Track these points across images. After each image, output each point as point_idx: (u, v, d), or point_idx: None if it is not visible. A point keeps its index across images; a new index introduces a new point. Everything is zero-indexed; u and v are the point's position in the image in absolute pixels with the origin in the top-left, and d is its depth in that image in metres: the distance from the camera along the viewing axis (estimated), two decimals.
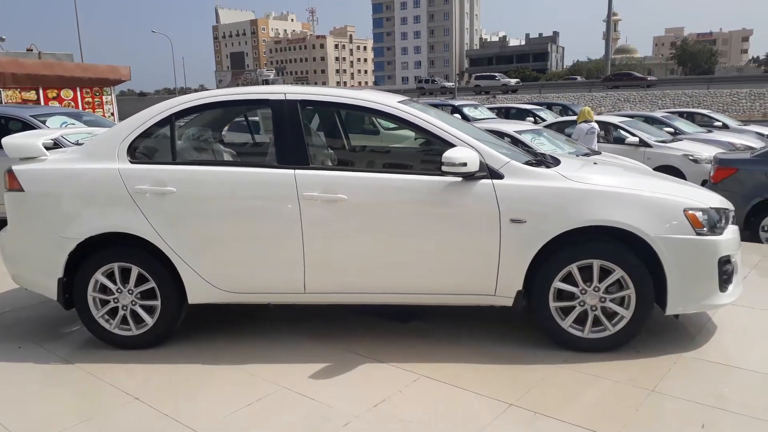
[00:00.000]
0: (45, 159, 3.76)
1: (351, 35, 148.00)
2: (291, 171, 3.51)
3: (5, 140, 3.81)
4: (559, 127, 11.50)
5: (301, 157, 3.54)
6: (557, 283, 3.39)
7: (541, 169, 3.44)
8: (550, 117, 17.07)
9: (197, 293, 3.66)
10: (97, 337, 3.77)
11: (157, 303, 3.68)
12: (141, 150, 3.70)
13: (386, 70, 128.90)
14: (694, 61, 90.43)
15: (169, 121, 3.69)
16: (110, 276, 3.69)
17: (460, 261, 3.42)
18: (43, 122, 7.01)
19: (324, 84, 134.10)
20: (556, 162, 3.75)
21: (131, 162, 3.64)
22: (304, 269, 3.54)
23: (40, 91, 15.83)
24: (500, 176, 3.39)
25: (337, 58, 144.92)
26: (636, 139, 10.59)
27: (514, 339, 3.70)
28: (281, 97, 3.64)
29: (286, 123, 3.58)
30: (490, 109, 19.32)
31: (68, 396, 3.23)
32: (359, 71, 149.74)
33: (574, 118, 13.57)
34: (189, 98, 3.73)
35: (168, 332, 3.75)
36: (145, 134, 3.70)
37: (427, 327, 3.94)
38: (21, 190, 3.69)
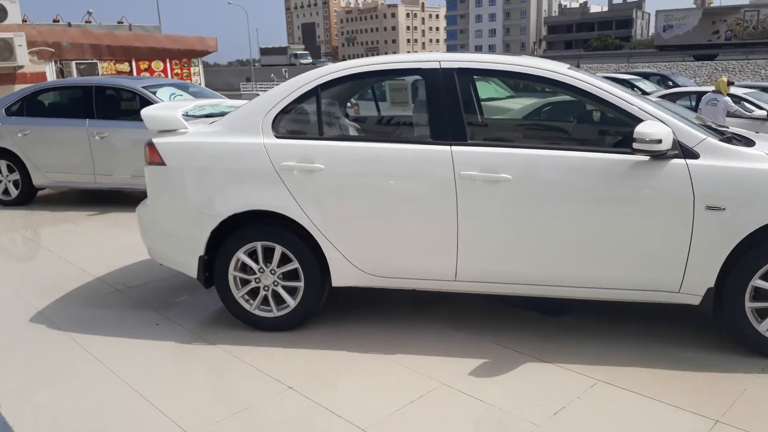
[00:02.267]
0: (186, 132, 3.61)
1: (423, 3, 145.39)
2: (447, 147, 3.21)
3: (145, 112, 3.69)
4: (671, 99, 10.66)
5: (459, 132, 3.22)
6: (757, 281, 2.96)
7: (743, 149, 2.98)
8: (649, 87, 15.97)
9: (342, 275, 3.45)
10: (236, 317, 3.64)
11: (300, 284, 3.49)
12: (286, 124, 3.49)
13: (459, 39, 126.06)
14: None
15: (314, 93, 3.45)
16: (251, 255, 3.54)
17: (641, 252, 3.04)
18: (154, 93, 7.00)
19: (394, 53, 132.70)
20: (747, 140, 3.26)
21: (276, 137, 3.44)
22: (456, 255, 3.25)
23: (133, 63, 16.21)
24: (695, 155, 2.96)
25: (408, 28, 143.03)
26: (763, 113, 9.66)
27: (693, 341, 3.30)
28: (435, 65, 3.32)
29: (440, 94, 3.27)
30: None
31: (218, 382, 3.10)
32: (431, 40, 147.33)
33: (684, 89, 12.58)
34: (335, 68, 3.47)
35: (309, 315, 3.57)
36: (290, 107, 3.48)
37: (582, 323, 3.59)
38: (162, 164, 3.56)
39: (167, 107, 3.79)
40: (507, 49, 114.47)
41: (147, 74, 16.01)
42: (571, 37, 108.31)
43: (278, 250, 3.47)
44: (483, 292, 3.37)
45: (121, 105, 7.14)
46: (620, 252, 3.06)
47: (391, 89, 4.50)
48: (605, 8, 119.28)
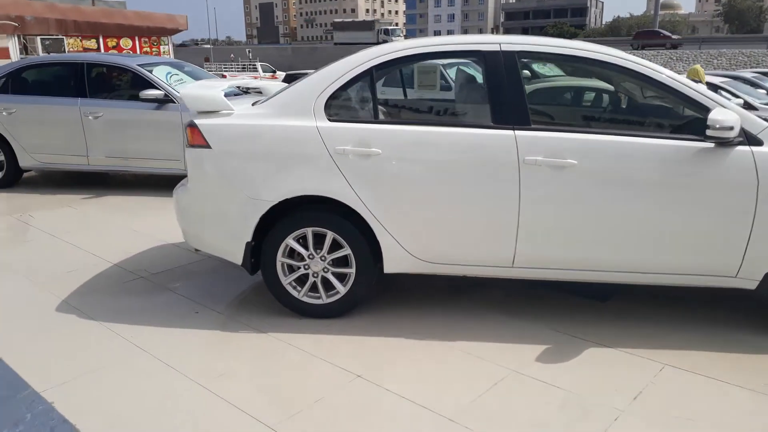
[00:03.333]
0: (231, 113, 3.47)
1: None
2: (510, 132, 3.17)
3: (184, 92, 3.52)
4: None
5: (522, 116, 3.19)
6: None
7: None
8: None
9: (395, 262, 3.39)
10: (283, 304, 3.55)
11: (351, 271, 3.42)
12: (339, 106, 3.38)
13: (418, 23, 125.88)
14: (742, 18, 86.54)
15: (368, 74, 3.36)
16: (300, 241, 3.44)
17: (701, 237, 3.08)
18: (150, 72, 6.73)
19: None
20: None
21: (329, 120, 3.33)
22: (515, 241, 3.24)
23: (101, 40, 15.57)
24: (759, 143, 3.01)
25: (367, 10, 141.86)
26: (740, 101, 9.98)
27: (744, 324, 3.39)
28: (495, 48, 3.27)
29: (502, 77, 3.22)
30: None
31: (283, 372, 3.00)
32: (391, 24, 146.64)
33: None
34: (391, 48, 3.38)
35: (358, 302, 3.51)
36: (343, 89, 3.37)
37: (628, 308, 3.63)
38: (206, 146, 3.41)
39: (207, 87, 3.62)
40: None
41: (115, 52, 15.40)
42: (528, 24, 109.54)
43: (329, 236, 3.38)
44: (538, 278, 3.37)
45: (116, 83, 6.84)
46: (681, 238, 3.10)
47: (420, 72, 4.44)
48: None
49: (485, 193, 3.20)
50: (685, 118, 3.17)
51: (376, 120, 3.31)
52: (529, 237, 3.22)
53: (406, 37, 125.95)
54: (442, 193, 3.23)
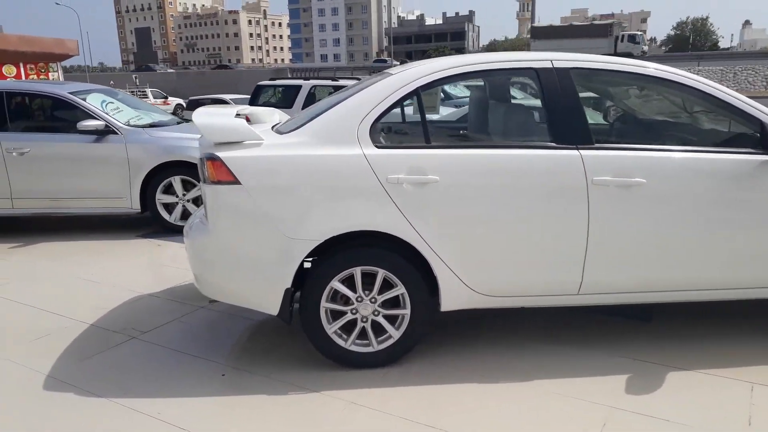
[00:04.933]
0: (260, 143, 3.03)
1: (265, 10, 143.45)
2: (575, 152, 3.01)
3: (202, 121, 3.03)
4: None
5: (584, 134, 3.04)
6: None
7: None
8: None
9: (453, 298, 3.09)
10: (326, 355, 3.13)
11: (405, 312, 3.08)
12: (385, 131, 3.07)
13: (304, 47, 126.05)
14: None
15: (414, 95, 3.07)
16: (344, 282, 3.06)
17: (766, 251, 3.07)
18: (83, 100, 5.98)
19: (238, 62, 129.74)
20: None
21: (376, 146, 3.00)
22: (583, 267, 3.06)
23: None
24: None
25: (251, 35, 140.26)
26: None
27: None
28: (547, 64, 3.11)
29: (559, 94, 3.06)
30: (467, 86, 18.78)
31: None
32: (275, 48, 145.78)
33: None
34: (438, 67, 3.11)
35: (412, 346, 3.17)
36: (388, 112, 3.06)
37: (673, 326, 3.57)
38: (234, 182, 2.95)
39: (223, 114, 3.16)
40: (351, 59, 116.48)
41: None
42: (411, 47, 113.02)
43: (380, 274, 3.03)
44: (601, 304, 3.21)
45: (44, 114, 6.01)
46: (747, 252, 3.06)
47: (474, 90, 4.12)
48: (440, 20, 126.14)
49: (552, 217, 3.00)
50: (743, 132, 3.16)
51: (428, 144, 3.02)
52: (596, 261, 3.05)
53: (292, 61, 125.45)
54: (506, 221, 2.99)
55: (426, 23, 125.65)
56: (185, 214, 6.00)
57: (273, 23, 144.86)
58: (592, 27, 48.21)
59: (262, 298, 3.05)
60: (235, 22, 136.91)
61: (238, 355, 3.34)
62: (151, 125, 6.17)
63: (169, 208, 5.99)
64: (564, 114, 3.04)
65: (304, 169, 2.95)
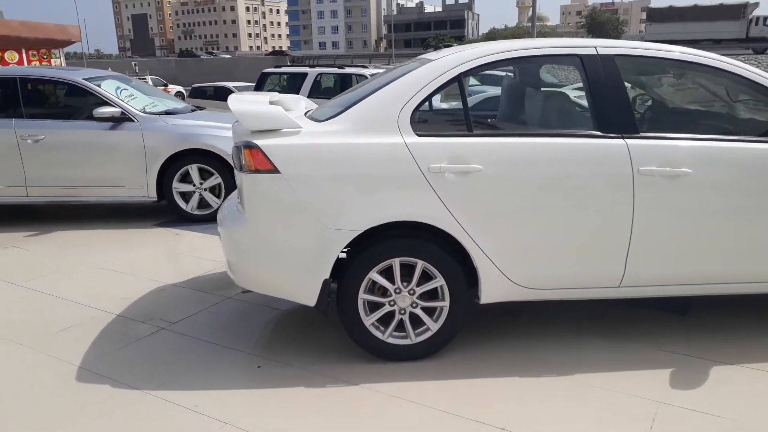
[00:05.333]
0: (299, 131, 2.96)
1: None
2: (621, 141, 2.94)
3: (237, 108, 2.96)
4: None
5: (629, 123, 2.97)
6: None
7: None
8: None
9: (493, 291, 3.04)
10: (363, 347, 3.08)
11: (444, 304, 3.03)
12: (426, 119, 3.00)
13: (302, 34, 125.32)
14: (603, 29, 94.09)
15: (456, 81, 3.00)
16: (383, 274, 3.00)
17: None
18: (99, 86, 5.89)
19: (236, 49, 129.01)
20: None
21: (417, 134, 2.93)
22: (626, 259, 3.01)
23: None
24: None
25: (249, 22, 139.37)
26: None
27: None
28: (592, 51, 3.04)
29: (604, 82, 2.99)
30: None
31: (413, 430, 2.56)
32: (273, 35, 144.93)
33: None
34: (480, 53, 3.04)
35: (450, 339, 3.12)
36: (429, 99, 2.99)
37: (705, 319, 3.52)
38: (273, 171, 2.89)
39: (259, 102, 3.08)
40: (350, 47, 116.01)
41: None
42: (410, 35, 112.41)
43: (419, 266, 2.98)
44: (642, 296, 3.16)
45: (58, 100, 5.92)
46: None
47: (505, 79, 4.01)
48: (439, 8, 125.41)
49: (596, 208, 2.94)
50: None
51: (471, 133, 2.95)
52: (640, 253, 3.00)
53: (290, 48, 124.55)
54: (549, 211, 2.94)
55: (425, 11, 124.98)
56: (202, 203, 5.94)
57: (271, 10, 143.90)
58: (722, 8, 41.48)
59: (300, 288, 3.00)
60: (232, 8, 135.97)
61: (272, 347, 3.29)
62: (167, 113, 6.08)
63: (186, 196, 5.92)
64: (609, 102, 2.98)
65: (344, 158, 2.88)
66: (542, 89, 3.32)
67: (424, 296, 3.04)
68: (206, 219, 5.89)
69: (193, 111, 6.53)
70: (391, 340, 3.07)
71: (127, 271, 4.54)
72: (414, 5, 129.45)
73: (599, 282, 3.07)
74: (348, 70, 13.60)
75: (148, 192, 5.81)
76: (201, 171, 5.87)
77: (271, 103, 3.16)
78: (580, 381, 2.88)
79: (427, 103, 3.00)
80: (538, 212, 2.93)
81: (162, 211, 6.26)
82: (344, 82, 13.28)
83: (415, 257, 2.97)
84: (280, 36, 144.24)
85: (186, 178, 5.88)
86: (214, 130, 5.85)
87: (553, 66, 3.22)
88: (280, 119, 2.94)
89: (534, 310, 3.67)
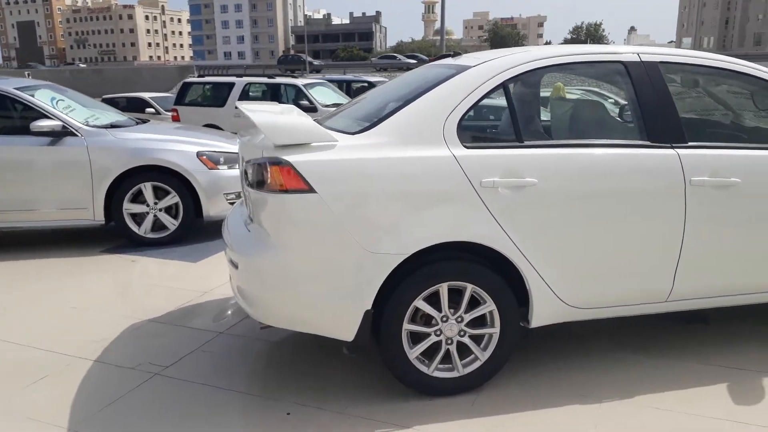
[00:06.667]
0: (333, 145, 2.61)
1: (163, 6, 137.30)
2: (672, 151, 2.82)
3: (263, 121, 2.58)
4: None
5: (678, 132, 2.86)
6: None
7: None
8: None
9: (544, 313, 2.82)
10: (406, 384, 2.77)
11: (494, 331, 2.78)
12: (472, 129, 2.74)
13: (206, 44, 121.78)
14: (504, 43, 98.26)
15: (501, 88, 2.77)
16: (429, 300, 2.71)
17: None
18: (32, 96, 5.19)
19: (134, 59, 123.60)
20: None
21: (465, 146, 2.67)
22: (674, 273, 2.89)
23: None
24: None
25: (148, 31, 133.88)
26: None
27: None
28: (635, 58, 2.91)
29: (650, 89, 2.86)
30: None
31: None
32: (174, 45, 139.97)
33: None
34: (526, 58, 2.82)
35: (498, 369, 2.86)
36: (474, 107, 2.74)
37: (734, 329, 3.48)
38: (309, 191, 2.52)
39: (287, 113, 2.70)
40: (257, 57, 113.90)
41: None
42: (318, 47, 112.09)
43: (468, 290, 2.71)
44: (686, 309, 3.05)
45: None
46: None
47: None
48: (346, 20, 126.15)
49: (649, 221, 2.80)
50: None
51: (522, 144, 2.73)
52: (688, 266, 2.89)
53: (192, 58, 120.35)
54: (603, 226, 2.76)
55: (333, 22, 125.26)
56: (156, 225, 5.36)
57: (172, 19, 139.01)
58: None
59: (336, 321, 2.64)
60: (130, 17, 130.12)
61: (292, 388, 2.90)
62: (112, 125, 5.46)
63: (138, 218, 5.32)
64: (657, 110, 2.85)
65: (387, 174, 2.57)
66: (587, 98, 3.16)
67: (470, 324, 2.77)
68: (162, 242, 5.32)
69: (137, 124, 5.92)
70: (437, 374, 2.77)
71: (90, 307, 3.95)
72: (321, 17, 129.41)
73: (647, 297, 2.93)
74: (278, 80, 13.15)
75: (95, 214, 5.17)
76: (155, 189, 5.29)
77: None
78: (641, 403, 2.71)
79: (471, 112, 2.74)
80: (592, 227, 2.75)
81: (103, 236, 5.60)
82: (274, 93, 12.83)
83: (465, 281, 2.69)
84: (182, 46, 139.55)
85: (138, 198, 5.29)
86: (169, 143, 5.30)
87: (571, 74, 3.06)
88: (313, 132, 2.58)
89: (562, 329, 3.48)
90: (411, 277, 2.64)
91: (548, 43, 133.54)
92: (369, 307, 2.60)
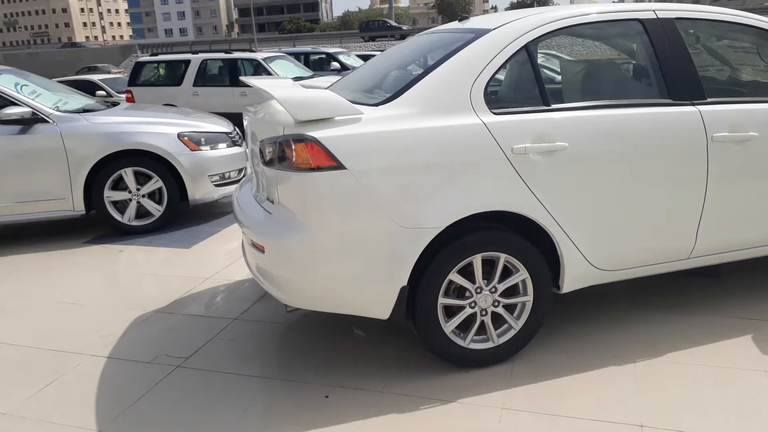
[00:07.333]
0: (359, 118, 2.50)
1: None
2: (693, 108, 2.82)
3: (285, 97, 2.44)
4: None
5: (697, 89, 2.85)
6: None
7: None
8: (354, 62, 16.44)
9: (575, 279, 2.81)
10: (443, 357, 2.73)
11: (527, 299, 2.75)
12: (499, 94, 2.67)
13: (145, 22, 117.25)
14: (452, 10, 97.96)
15: (525, 50, 2.70)
16: (462, 272, 2.66)
17: None
18: None
19: (69, 39, 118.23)
20: None
21: (493, 112, 2.59)
22: (697, 230, 2.91)
23: None
24: None
25: (82, 10, 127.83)
26: None
27: None
28: (651, 15, 2.88)
29: (668, 46, 2.84)
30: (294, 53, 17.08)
31: None
32: (112, 24, 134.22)
33: None
34: (546, 19, 2.75)
35: (531, 337, 2.85)
36: (498, 71, 2.66)
37: (741, 282, 3.56)
38: (337, 167, 2.41)
39: (302, 87, 2.57)
40: (200, 33, 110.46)
41: None
42: (263, 19, 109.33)
43: (501, 260, 2.67)
44: (708, 264, 3.09)
45: None
46: None
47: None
48: None
49: (675, 179, 2.80)
50: None
51: (549, 107, 2.67)
52: (710, 222, 2.92)
53: (132, 37, 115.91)
54: (632, 187, 2.75)
55: None
56: (140, 212, 5.14)
57: None
58: None
59: (371, 300, 2.57)
60: None
61: (325, 370, 2.83)
62: (84, 110, 5.17)
63: (120, 206, 5.09)
64: (676, 67, 2.83)
65: (418, 145, 2.48)
66: (605, 57, 3.11)
67: (504, 293, 2.74)
68: (147, 230, 5.11)
69: (109, 107, 5.62)
70: (473, 346, 2.74)
71: (88, 302, 3.76)
72: None
73: (671, 255, 2.95)
74: (236, 55, 12.71)
75: (74, 204, 4.92)
76: (137, 175, 5.06)
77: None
78: (675, 361, 2.75)
79: (497, 76, 2.67)
80: (621, 189, 2.74)
81: (85, 226, 5.35)
82: (232, 68, 12.40)
83: (498, 251, 2.65)
84: (120, 24, 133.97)
85: (119, 185, 5.05)
86: (147, 126, 5.06)
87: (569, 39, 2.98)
88: (338, 106, 2.47)
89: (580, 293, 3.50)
90: (446, 250, 2.58)
91: (494, 8, 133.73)
92: (405, 283, 2.54)
